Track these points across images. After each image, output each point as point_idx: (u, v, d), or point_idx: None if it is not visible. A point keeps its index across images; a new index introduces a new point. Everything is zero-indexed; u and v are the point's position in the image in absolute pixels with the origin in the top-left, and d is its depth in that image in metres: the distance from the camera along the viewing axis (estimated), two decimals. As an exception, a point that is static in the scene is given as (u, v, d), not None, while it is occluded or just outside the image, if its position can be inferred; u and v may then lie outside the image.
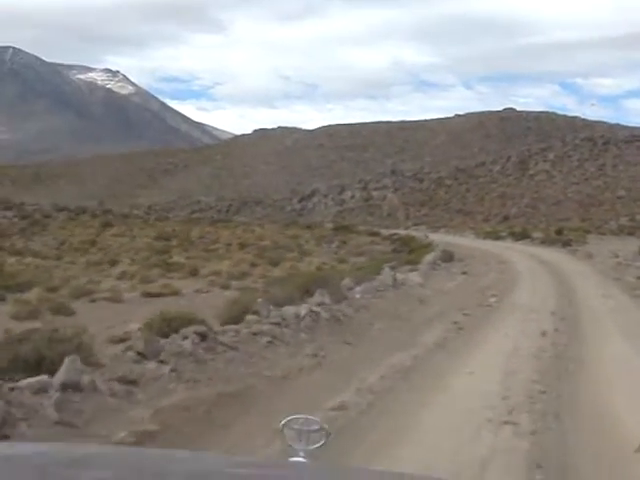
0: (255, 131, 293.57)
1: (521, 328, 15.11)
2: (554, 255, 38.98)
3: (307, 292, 16.27)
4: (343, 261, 35.56)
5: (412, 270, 26.53)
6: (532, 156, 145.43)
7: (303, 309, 13.79)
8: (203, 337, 10.03)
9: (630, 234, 65.40)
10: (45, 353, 7.93)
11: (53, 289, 20.09)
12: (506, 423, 7.87)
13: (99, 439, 6.43)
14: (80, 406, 7.13)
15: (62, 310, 16.22)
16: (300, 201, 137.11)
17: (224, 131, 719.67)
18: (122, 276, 25.19)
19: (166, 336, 9.93)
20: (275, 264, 31.03)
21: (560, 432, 7.77)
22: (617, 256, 34.54)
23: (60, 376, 7.31)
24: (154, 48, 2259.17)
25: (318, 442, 2.20)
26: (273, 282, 18.75)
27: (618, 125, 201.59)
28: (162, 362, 8.86)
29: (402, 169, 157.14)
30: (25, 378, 7.37)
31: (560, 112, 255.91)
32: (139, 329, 10.95)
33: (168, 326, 10.42)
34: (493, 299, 19.87)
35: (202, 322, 10.74)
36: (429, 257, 31.30)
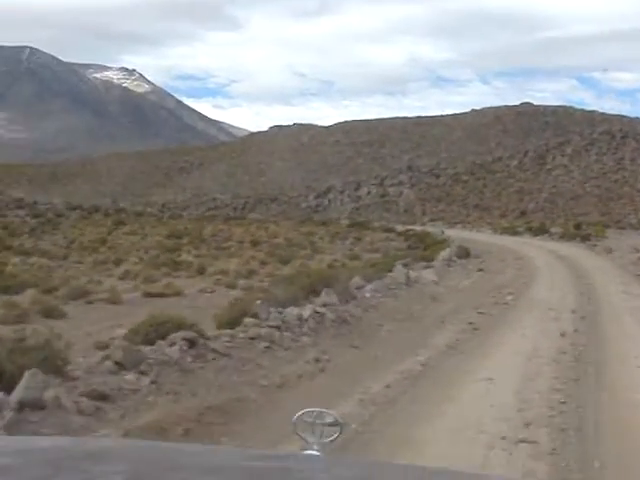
0: (271, 128, 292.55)
1: (539, 328, 14.38)
2: (573, 250, 38.16)
3: (313, 292, 15.47)
4: (356, 258, 34.67)
5: (427, 267, 25.78)
6: (550, 150, 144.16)
7: (307, 310, 13.00)
8: (192, 343, 9.21)
9: (650, 228, 64.47)
10: (5, 366, 7.07)
11: (50, 290, 19.25)
12: (522, 442, 7.01)
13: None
14: (37, 427, 6.28)
15: (53, 313, 15.43)
16: (316, 198, 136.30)
17: (240, 128, 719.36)
18: (125, 276, 24.40)
19: (152, 343, 9.12)
20: (285, 262, 30.17)
21: (581, 451, 6.93)
22: (637, 251, 33.68)
23: (18, 393, 6.47)
24: (170, 46, 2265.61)
25: (332, 435, 2.17)
26: (279, 281, 17.90)
27: (637, 119, 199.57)
28: (142, 373, 8.03)
29: (418, 165, 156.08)
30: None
31: (578, 106, 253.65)
32: (124, 335, 10.10)
33: (155, 331, 9.58)
34: (510, 297, 19.16)
35: (193, 327, 9.89)
36: (444, 253, 30.46)
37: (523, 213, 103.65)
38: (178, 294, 19.96)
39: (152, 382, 7.81)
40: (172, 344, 9.07)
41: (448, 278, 23.59)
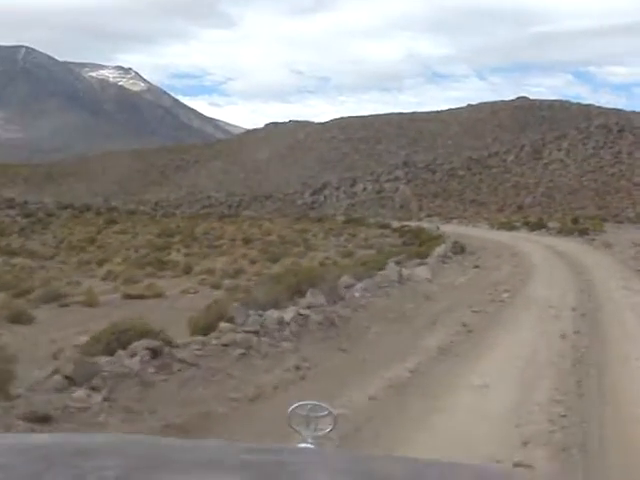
0: (267, 125, 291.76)
1: (537, 328, 13.58)
2: (570, 245, 37.43)
3: (298, 292, 14.64)
4: (349, 255, 33.85)
5: (420, 264, 24.97)
6: (546, 145, 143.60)
7: (289, 313, 12.16)
8: (155, 353, 8.34)
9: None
10: None
11: (24, 293, 18.40)
12: (518, 465, 6.18)
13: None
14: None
15: (21, 318, 14.54)
16: (312, 194, 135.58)
17: (237, 126, 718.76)
18: (108, 276, 23.53)
19: (112, 353, 8.27)
20: (276, 260, 29.32)
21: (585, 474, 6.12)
22: (636, 245, 32.99)
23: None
24: (165, 44, 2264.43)
25: (326, 428, 2.13)
26: (265, 281, 17.05)
27: (634, 112, 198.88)
28: (94, 388, 7.17)
29: (415, 160, 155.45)
30: None
31: (574, 100, 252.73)
32: (84, 344, 9.23)
33: (117, 340, 8.72)
34: (506, 294, 18.41)
35: (159, 334, 9.02)
36: (439, 250, 29.70)
37: (520, 208, 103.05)
38: (159, 295, 19.11)
39: (105, 399, 6.94)
40: (133, 354, 8.22)
41: (443, 275, 22.86)
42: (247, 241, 41.92)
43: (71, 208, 72.00)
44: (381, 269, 21.00)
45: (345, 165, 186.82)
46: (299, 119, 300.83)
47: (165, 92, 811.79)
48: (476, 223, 75.58)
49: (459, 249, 31.42)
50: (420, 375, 9.78)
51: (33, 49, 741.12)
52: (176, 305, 17.33)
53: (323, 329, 12.49)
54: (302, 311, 12.60)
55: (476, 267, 25.79)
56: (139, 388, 7.62)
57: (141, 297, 18.52)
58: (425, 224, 64.71)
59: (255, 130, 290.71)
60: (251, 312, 11.56)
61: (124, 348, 8.41)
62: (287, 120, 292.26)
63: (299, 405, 2.16)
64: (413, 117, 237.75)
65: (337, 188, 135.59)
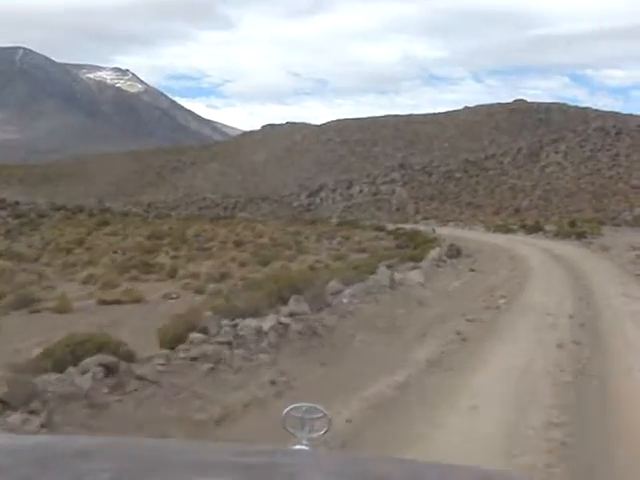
0: (264, 127, 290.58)
1: (534, 337, 12.81)
2: (568, 249, 36.68)
3: (281, 299, 13.79)
4: (341, 258, 32.98)
5: (414, 268, 24.16)
6: (543, 147, 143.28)
7: (268, 322, 11.30)
8: (110, 370, 7.49)
9: (646, 225, 63.22)
10: None
11: (-7, 298, 17.58)
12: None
13: None
14: None
15: (-18, 326, 13.74)
16: (308, 197, 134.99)
17: (234, 128, 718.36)
18: (88, 280, 22.65)
19: (62, 370, 7.41)
20: (265, 264, 28.45)
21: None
22: (634, 248, 32.27)
23: None
24: (163, 46, 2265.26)
25: (321, 430, 2.13)
26: (248, 286, 16.22)
27: (631, 115, 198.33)
28: (33, 412, 6.32)
29: (411, 163, 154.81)
30: None
31: (571, 103, 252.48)
32: (34, 359, 8.36)
33: (72, 353, 7.86)
34: (502, 300, 17.65)
35: (119, 347, 8.17)
36: (434, 253, 28.89)
37: (517, 210, 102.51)
38: (138, 301, 18.24)
39: (42, 425, 6.10)
40: (85, 371, 7.37)
41: (437, 280, 22.05)
42: (238, 244, 41.06)
43: (64, 209, 71.10)
44: (372, 273, 20.17)
45: (341, 167, 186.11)
46: (296, 121, 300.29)
47: (162, 94, 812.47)
48: (472, 226, 74.96)
49: (455, 252, 30.66)
50: (406, 394, 8.95)
51: (31, 50, 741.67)
52: (156, 310, 16.49)
53: (305, 339, 11.65)
54: (283, 319, 11.75)
55: (472, 271, 25.05)
56: (87, 411, 6.76)
57: (118, 302, 17.67)
58: (421, 227, 63.96)
59: (252, 132, 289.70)
60: (225, 321, 10.70)
61: (75, 365, 7.55)
62: (284, 122, 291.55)
63: (294, 407, 2.15)
64: (409, 119, 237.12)
65: (333, 190, 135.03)
